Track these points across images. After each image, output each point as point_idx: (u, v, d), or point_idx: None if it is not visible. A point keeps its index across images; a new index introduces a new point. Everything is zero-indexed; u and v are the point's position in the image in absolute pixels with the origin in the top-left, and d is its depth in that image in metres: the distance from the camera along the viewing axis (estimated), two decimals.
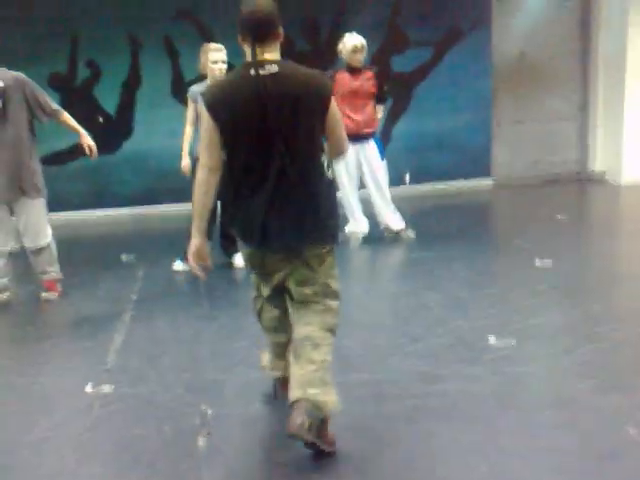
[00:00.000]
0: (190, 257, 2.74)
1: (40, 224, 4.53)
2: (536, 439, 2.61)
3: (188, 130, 5.07)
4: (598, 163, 8.10)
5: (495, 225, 6.69)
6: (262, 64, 2.47)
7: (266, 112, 2.46)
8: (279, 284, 2.71)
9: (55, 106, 4.54)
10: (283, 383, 3.00)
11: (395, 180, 6.72)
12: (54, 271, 4.70)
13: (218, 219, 5.14)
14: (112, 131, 7.13)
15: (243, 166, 2.56)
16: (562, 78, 8.15)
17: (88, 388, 3.18)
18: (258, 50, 2.48)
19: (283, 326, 2.87)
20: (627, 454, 2.49)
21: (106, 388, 3.18)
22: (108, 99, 7.20)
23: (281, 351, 2.93)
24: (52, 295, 4.67)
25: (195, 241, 2.71)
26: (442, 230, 5.98)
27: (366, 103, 5.58)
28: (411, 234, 5.73)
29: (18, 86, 4.31)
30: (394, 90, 7.57)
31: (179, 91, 7.22)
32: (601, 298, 4.15)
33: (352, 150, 5.30)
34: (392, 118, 7.76)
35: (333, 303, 2.72)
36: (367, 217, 5.84)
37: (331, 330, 2.70)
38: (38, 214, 4.51)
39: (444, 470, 2.47)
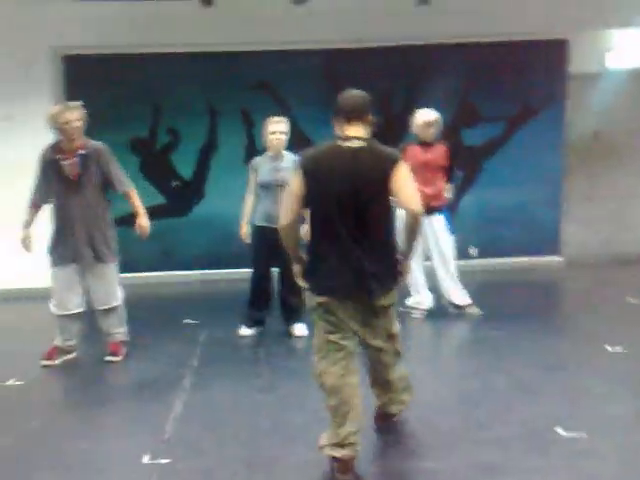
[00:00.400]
0: (296, 278, 3.24)
1: (111, 287, 4.69)
2: None
3: (249, 198, 5.28)
4: None
5: (564, 305, 6.45)
6: (349, 139, 3.00)
7: (347, 178, 2.93)
8: (349, 332, 3.03)
9: (125, 185, 4.67)
10: (342, 466, 2.92)
11: (461, 253, 6.63)
12: (121, 333, 4.83)
13: (276, 289, 5.23)
14: (185, 195, 7.34)
15: (323, 222, 3.00)
16: (637, 156, 8.00)
17: (146, 459, 3.17)
18: (348, 128, 3.03)
19: (348, 380, 3.02)
20: None
21: (164, 460, 3.16)
22: (184, 164, 7.46)
23: (346, 412, 2.98)
24: (116, 358, 4.75)
25: (296, 267, 3.22)
26: (509, 308, 5.83)
27: (436, 176, 5.53)
28: (476, 310, 5.62)
29: (95, 155, 4.51)
30: (463, 163, 7.57)
31: (251, 159, 7.44)
32: None
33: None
34: (460, 190, 7.72)
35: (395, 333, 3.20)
36: (431, 291, 5.75)
37: (398, 354, 3.24)
38: (110, 278, 4.67)
39: None
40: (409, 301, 5.75)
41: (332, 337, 3.01)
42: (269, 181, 5.12)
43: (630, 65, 7.73)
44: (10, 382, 4.36)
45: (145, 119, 7.50)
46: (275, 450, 3.25)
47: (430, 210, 5.49)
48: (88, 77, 7.29)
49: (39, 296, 6.52)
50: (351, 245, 2.93)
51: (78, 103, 4.55)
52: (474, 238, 7.38)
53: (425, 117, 5.49)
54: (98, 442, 3.41)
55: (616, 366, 4.29)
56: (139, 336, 5.28)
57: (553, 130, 7.70)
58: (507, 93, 7.60)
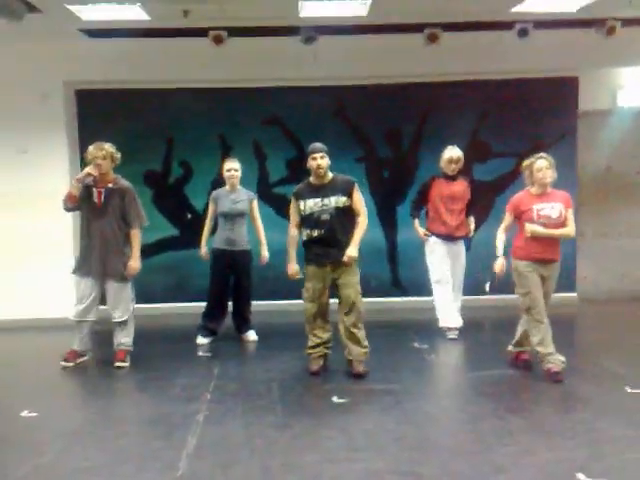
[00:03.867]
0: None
1: (126, 303, 5.39)
2: None
3: (208, 225, 6.07)
4: None
5: (581, 344, 6.36)
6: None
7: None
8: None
9: (136, 225, 5.37)
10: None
11: (474, 289, 6.61)
12: (128, 344, 5.47)
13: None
14: (198, 228, 7.36)
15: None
16: None
17: None
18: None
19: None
20: None
21: None
22: (198, 197, 7.50)
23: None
24: (124, 364, 5.38)
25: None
26: None
27: (462, 208, 6.11)
28: (455, 334, 6.07)
29: (121, 192, 5.31)
30: (475, 198, 7.58)
31: (264, 191, 7.47)
32: None
33: (444, 248, 6.12)
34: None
35: None
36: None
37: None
38: (125, 295, 5.38)
39: None
40: (440, 323, 6.23)
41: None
42: (228, 212, 5.92)
43: None
44: (24, 413, 4.35)
45: (158, 153, 7.60)
46: None
47: (455, 238, 6.09)
48: (102, 111, 7.40)
49: (54, 326, 6.58)
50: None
51: (109, 144, 5.33)
52: (487, 274, 7.34)
53: (449, 154, 6.05)
54: (112, 477, 3.36)
55: (637, 408, 4.22)
56: (154, 368, 5.35)
57: (565, 166, 7.64)
58: (518, 129, 7.64)
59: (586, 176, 7.87)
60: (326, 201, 4.92)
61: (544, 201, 4.87)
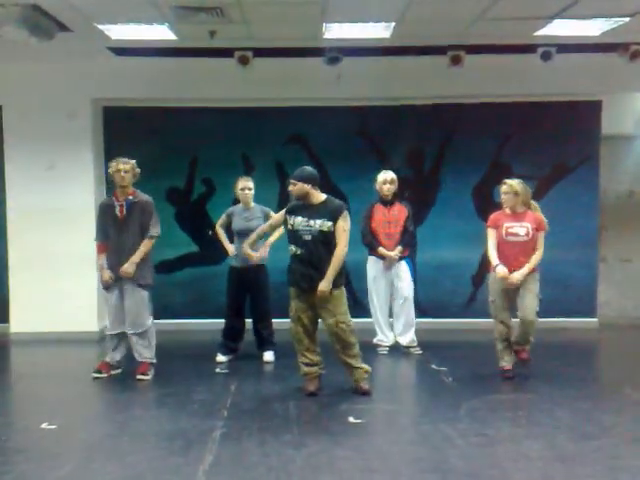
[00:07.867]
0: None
1: (142, 312, 5.48)
2: None
3: (220, 227, 6.25)
4: None
5: (601, 369, 6.30)
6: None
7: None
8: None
9: (150, 233, 5.50)
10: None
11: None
12: (151, 357, 5.58)
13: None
14: (218, 244, 7.47)
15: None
16: None
17: None
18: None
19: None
20: None
21: None
22: (218, 214, 7.54)
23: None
24: (145, 377, 5.50)
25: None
26: (543, 370, 5.72)
27: (398, 232, 6.36)
28: (418, 351, 6.36)
29: (141, 205, 5.52)
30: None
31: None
32: None
33: (384, 270, 6.38)
34: None
35: None
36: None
37: None
38: (141, 301, 5.48)
39: None
40: (374, 339, 6.52)
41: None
42: (241, 229, 5.98)
43: None
44: (44, 425, 4.40)
45: (182, 170, 7.70)
46: None
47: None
48: (128, 128, 7.52)
49: (81, 340, 6.67)
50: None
51: (131, 160, 5.53)
52: None
53: (383, 176, 6.34)
54: None
55: None
56: (171, 383, 5.41)
57: (587, 190, 7.67)
58: (540, 153, 7.62)
59: (608, 200, 7.83)
60: (311, 222, 4.90)
61: (515, 220, 5.39)
